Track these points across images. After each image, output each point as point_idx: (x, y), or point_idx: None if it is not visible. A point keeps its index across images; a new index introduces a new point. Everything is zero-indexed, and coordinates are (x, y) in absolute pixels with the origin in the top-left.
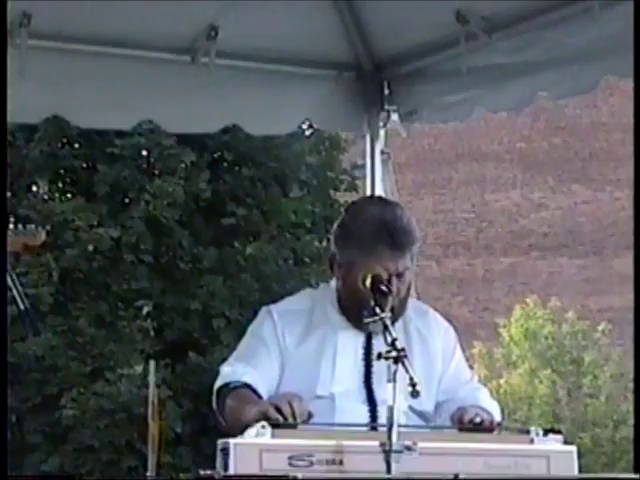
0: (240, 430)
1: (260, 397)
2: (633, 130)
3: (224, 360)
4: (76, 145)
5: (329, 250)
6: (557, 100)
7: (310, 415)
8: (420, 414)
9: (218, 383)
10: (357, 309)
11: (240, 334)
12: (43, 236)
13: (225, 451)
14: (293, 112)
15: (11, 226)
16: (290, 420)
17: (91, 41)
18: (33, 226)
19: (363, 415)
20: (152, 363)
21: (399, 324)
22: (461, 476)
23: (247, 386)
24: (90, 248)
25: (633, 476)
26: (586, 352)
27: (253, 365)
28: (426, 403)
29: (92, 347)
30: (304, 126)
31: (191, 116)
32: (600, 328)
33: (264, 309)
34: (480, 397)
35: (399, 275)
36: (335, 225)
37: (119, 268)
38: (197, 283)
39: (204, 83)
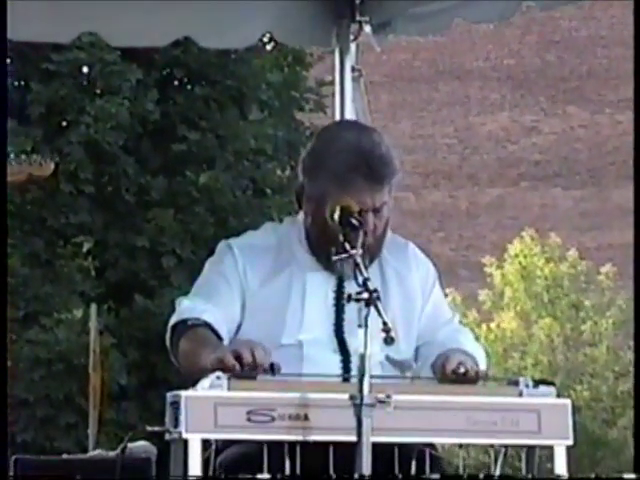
0: (195, 375)
1: (220, 338)
2: (633, 131)
3: (174, 303)
4: (7, 61)
5: (296, 181)
6: (548, 10)
7: (275, 368)
8: (399, 364)
9: (174, 319)
10: (326, 247)
11: (193, 274)
12: (52, 167)
13: (175, 405)
14: (252, 24)
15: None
16: (248, 371)
17: None
18: (38, 156)
19: (334, 365)
20: (93, 307)
21: (375, 265)
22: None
23: (207, 325)
24: (22, 180)
25: (633, 476)
26: (586, 295)
27: (214, 302)
28: (406, 351)
29: (25, 289)
30: (265, 39)
31: (137, 28)
32: (604, 270)
33: (223, 243)
34: (462, 340)
35: (376, 210)
36: (304, 153)
37: (56, 200)
38: (144, 217)
39: None
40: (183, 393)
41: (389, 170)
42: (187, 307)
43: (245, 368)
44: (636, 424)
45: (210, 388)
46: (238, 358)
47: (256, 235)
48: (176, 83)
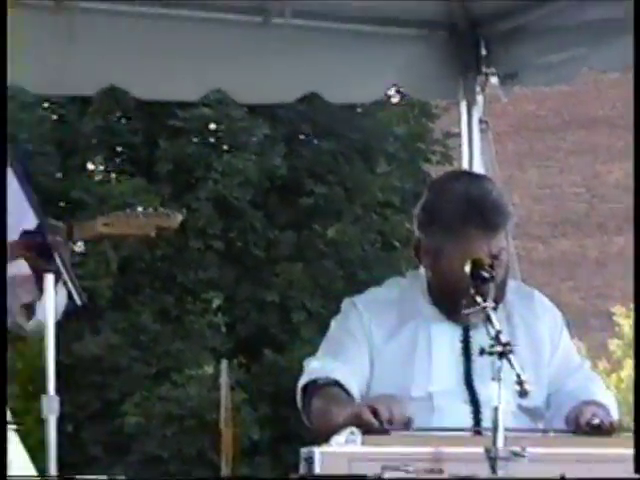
0: (329, 433)
1: (351, 396)
2: (633, 127)
3: (305, 358)
4: (134, 119)
5: (413, 235)
6: None
7: (410, 421)
8: (531, 412)
9: (304, 379)
10: (451, 299)
11: (323, 328)
12: (179, 218)
13: (310, 460)
14: (379, 77)
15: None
16: (387, 426)
17: (150, 1)
18: (166, 209)
19: (465, 416)
20: (224, 362)
21: (500, 312)
22: None
23: (337, 383)
24: (152, 234)
25: (633, 476)
26: None
27: (342, 360)
28: (536, 398)
29: (157, 345)
30: (390, 92)
31: (264, 84)
32: None
33: (347, 300)
34: (594, 389)
35: (494, 257)
36: (417, 207)
37: (185, 256)
38: (273, 271)
39: (278, 47)
40: (317, 449)
41: (502, 216)
42: (316, 367)
43: (383, 423)
44: (636, 424)
45: (345, 443)
46: (375, 413)
47: (379, 290)
48: (303, 137)
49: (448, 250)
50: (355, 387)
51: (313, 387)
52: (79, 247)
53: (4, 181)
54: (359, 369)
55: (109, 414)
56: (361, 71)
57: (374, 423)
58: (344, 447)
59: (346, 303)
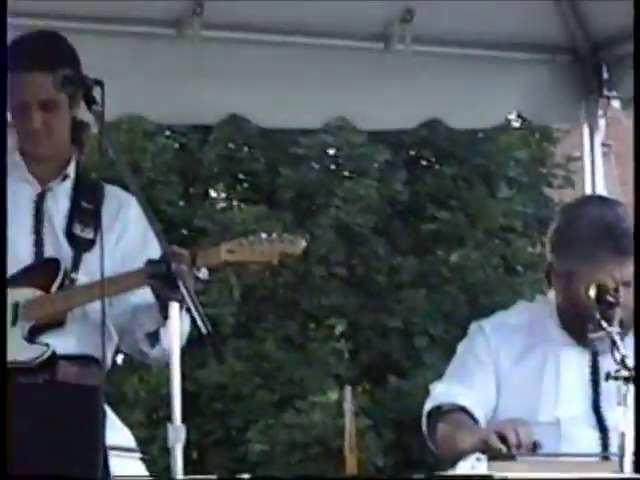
0: (455, 459)
1: (476, 422)
2: (633, 133)
3: (428, 384)
4: (256, 146)
5: (545, 257)
6: None
7: (536, 445)
8: None
9: (429, 405)
10: (580, 323)
11: (446, 353)
12: (303, 244)
13: None
14: (500, 102)
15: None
16: (514, 451)
17: (271, 30)
18: (289, 235)
19: (593, 442)
20: (348, 389)
21: (629, 339)
22: None
23: (462, 409)
24: (274, 262)
25: (633, 476)
26: None
27: (468, 385)
28: None
29: (280, 373)
30: (511, 116)
31: (386, 110)
32: None
33: (475, 324)
34: None
35: (626, 283)
36: (550, 230)
37: (308, 283)
38: (396, 297)
39: (400, 73)
40: (444, 475)
41: (633, 241)
42: (441, 392)
43: (511, 449)
44: (636, 423)
45: (471, 469)
46: (503, 439)
47: (507, 314)
48: (424, 163)
49: (580, 274)
50: (481, 412)
51: (438, 412)
52: (203, 274)
53: (4, 180)
54: (485, 394)
55: (233, 441)
56: (483, 96)
57: (502, 449)
58: (471, 472)
59: (473, 327)
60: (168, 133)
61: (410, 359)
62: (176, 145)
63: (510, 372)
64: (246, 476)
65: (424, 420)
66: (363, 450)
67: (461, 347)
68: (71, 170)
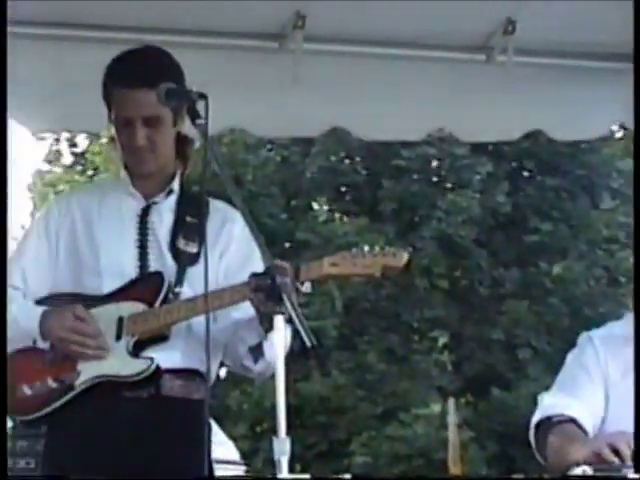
0: (564, 470)
1: (586, 434)
2: (633, 138)
3: (532, 396)
4: (357, 159)
5: None
6: None
7: None
8: None
9: (538, 416)
10: None
11: (549, 365)
12: (406, 256)
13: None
14: (603, 113)
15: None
16: (629, 463)
17: (373, 42)
18: (392, 247)
19: None
20: (451, 401)
21: None
22: None
23: (572, 421)
24: (376, 274)
25: (633, 476)
26: None
27: (577, 396)
28: None
29: (383, 385)
30: (614, 127)
31: (488, 122)
32: None
33: (584, 335)
34: None
35: None
36: None
37: (410, 295)
38: (498, 309)
39: (502, 84)
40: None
41: None
42: (550, 403)
43: (624, 461)
44: (636, 423)
45: None
46: (616, 452)
47: (617, 325)
48: (526, 175)
49: None
50: (590, 424)
51: (548, 424)
52: (306, 288)
53: (4, 180)
54: (593, 406)
55: (336, 454)
56: (586, 107)
57: (615, 462)
58: None
59: (583, 338)
60: (270, 146)
61: (513, 371)
62: (278, 158)
63: (619, 384)
64: (348, 476)
65: (532, 431)
66: (466, 462)
67: (570, 358)
68: (176, 185)
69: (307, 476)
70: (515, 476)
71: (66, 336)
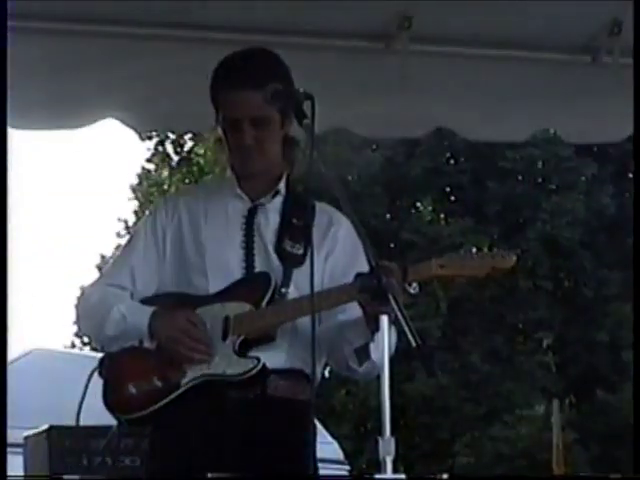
0: None
1: None
2: (633, 133)
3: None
4: (462, 159)
5: None
6: None
7: None
8: None
9: None
10: None
11: None
12: (514, 258)
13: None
14: None
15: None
16: None
17: (479, 43)
18: (500, 249)
19: None
20: (555, 402)
21: None
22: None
23: None
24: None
25: (634, 476)
26: None
27: None
28: None
29: (486, 386)
30: None
31: (593, 124)
32: None
33: None
34: None
35: None
36: None
37: (515, 296)
38: (603, 311)
39: (607, 85)
40: None
41: None
42: None
43: None
44: (636, 423)
45: None
46: None
47: None
48: (631, 176)
49: None
50: None
51: None
52: (414, 289)
53: (4, 180)
54: None
55: (440, 454)
56: None
57: None
58: None
59: None
60: (374, 146)
61: (617, 373)
62: (382, 158)
63: None
64: (445, 476)
65: None
66: (570, 464)
67: None
68: (282, 186)
69: (402, 476)
70: (612, 476)
71: (177, 337)
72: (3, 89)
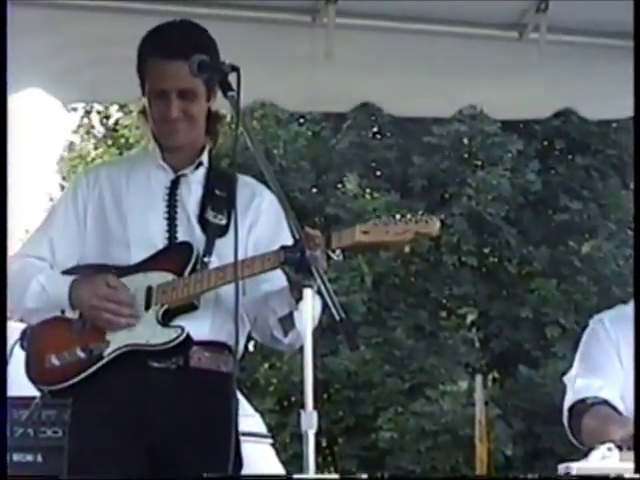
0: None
1: (620, 414)
2: (633, 133)
3: (559, 374)
4: (388, 134)
5: None
6: None
7: None
8: None
9: (572, 398)
10: None
11: (577, 344)
12: (438, 224)
13: (568, 476)
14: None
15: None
16: None
17: (405, 18)
18: (424, 215)
19: None
20: (479, 378)
21: None
22: None
23: (606, 402)
24: (406, 249)
25: (634, 476)
26: None
27: (602, 377)
28: None
29: (410, 361)
30: None
31: (519, 100)
32: None
33: (595, 317)
34: None
35: None
36: None
37: (439, 272)
38: (527, 287)
39: (534, 62)
40: (575, 465)
41: None
42: (583, 386)
43: None
44: (636, 423)
45: (602, 459)
46: None
47: (629, 306)
48: (557, 153)
49: None
50: (621, 405)
51: (583, 406)
52: (337, 256)
53: (4, 180)
54: (617, 386)
55: (363, 429)
56: (617, 86)
57: None
58: (602, 463)
59: (594, 320)
60: (301, 121)
61: (541, 349)
62: (309, 133)
63: (630, 362)
64: (364, 476)
65: (566, 414)
66: (493, 440)
67: (586, 339)
68: (205, 159)
69: (336, 476)
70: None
71: (99, 304)
72: (3, 89)
